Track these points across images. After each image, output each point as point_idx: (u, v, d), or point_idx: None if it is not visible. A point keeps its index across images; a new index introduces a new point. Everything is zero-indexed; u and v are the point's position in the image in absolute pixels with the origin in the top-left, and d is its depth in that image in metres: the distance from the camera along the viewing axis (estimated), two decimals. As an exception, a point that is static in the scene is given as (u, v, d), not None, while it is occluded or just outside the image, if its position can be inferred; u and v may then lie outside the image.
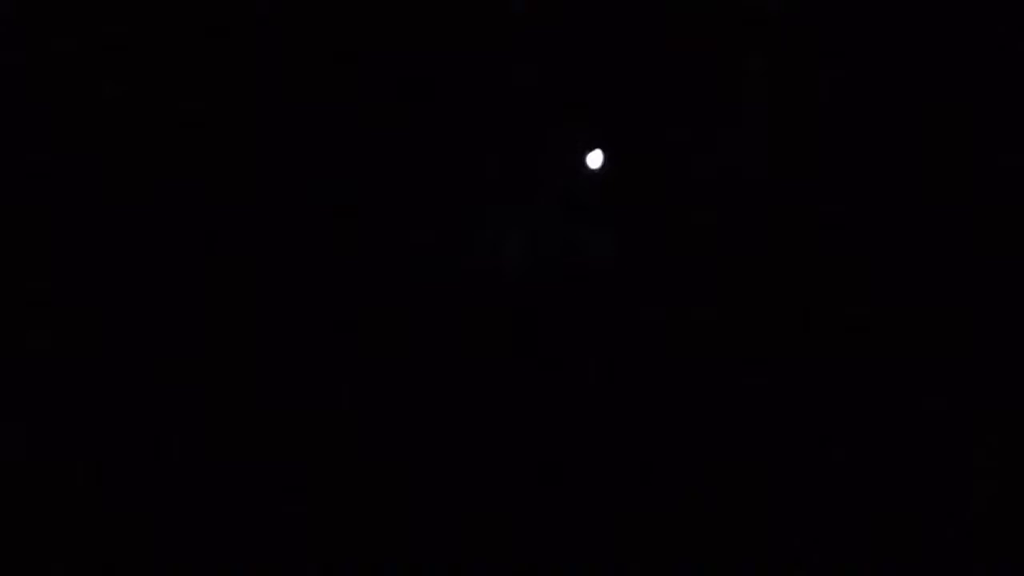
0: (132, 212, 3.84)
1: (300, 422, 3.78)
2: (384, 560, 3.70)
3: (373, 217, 3.92)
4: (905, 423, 3.75)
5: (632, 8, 3.93)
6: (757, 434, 3.79)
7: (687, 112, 3.94)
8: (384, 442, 3.80)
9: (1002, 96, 3.86)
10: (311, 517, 3.72)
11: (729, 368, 3.83)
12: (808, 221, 3.89)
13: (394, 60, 3.93)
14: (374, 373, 3.84)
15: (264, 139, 3.90)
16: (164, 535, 3.68)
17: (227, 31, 3.88)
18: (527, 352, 3.89)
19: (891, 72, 3.89)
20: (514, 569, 3.71)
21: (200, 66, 3.87)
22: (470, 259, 3.92)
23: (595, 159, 3.80)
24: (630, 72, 3.94)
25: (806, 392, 3.80)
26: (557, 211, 3.95)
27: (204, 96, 3.88)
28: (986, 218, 3.83)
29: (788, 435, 3.78)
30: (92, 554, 3.65)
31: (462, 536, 3.73)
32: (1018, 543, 3.64)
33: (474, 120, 3.95)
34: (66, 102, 3.84)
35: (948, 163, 3.86)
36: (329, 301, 3.88)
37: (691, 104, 3.94)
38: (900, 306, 3.83)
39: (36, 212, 3.81)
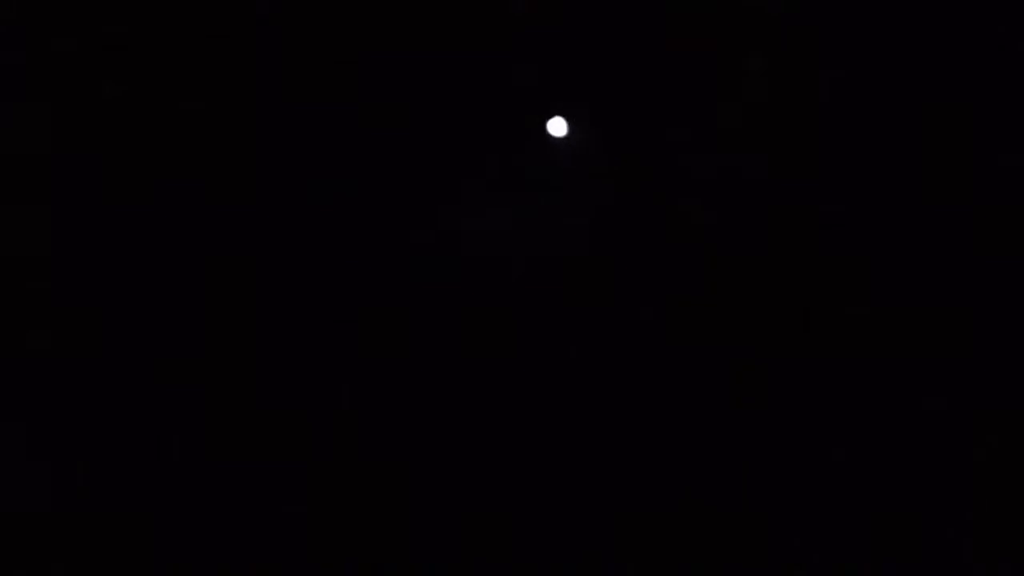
0: (132, 212, 3.84)
1: (292, 417, 3.79)
2: (384, 560, 3.71)
3: (369, 216, 3.92)
4: (905, 423, 3.75)
5: (632, 8, 3.93)
6: (757, 434, 3.79)
7: (687, 112, 3.94)
8: (375, 437, 3.80)
9: (1002, 96, 3.86)
10: (311, 517, 3.72)
11: (728, 368, 3.84)
12: (808, 221, 3.89)
13: (394, 60, 3.93)
14: (364, 367, 3.84)
15: (264, 139, 3.90)
16: (164, 535, 3.69)
17: (227, 31, 3.88)
18: (519, 349, 3.89)
19: (891, 72, 3.89)
20: (513, 569, 3.71)
21: (200, 66, 3.87)
22: (465, 253, 3.92)
23: (558, 127, 3.79)
24: (630, 72, 3.94)
25: (806, 392, 3.80)
26: (555, 211, 3.95)
27: (204, 96, 3.88)
28: (986, 218, 3.84)
29: (788, 435, 3.79)
30: (92, 554, 3.65)
31: (460, 534, 3.74)
32: (1018, 543, 3.65)
33: (472, 119, 3.95)
34: (66, 102, 3.84)
35: (948, 163, 3.86)
36: (325, 297, 3.88)
37: (691, 104, 3.94)
38: (900, 306, 3.83)
39: (36, 212, 3.81)
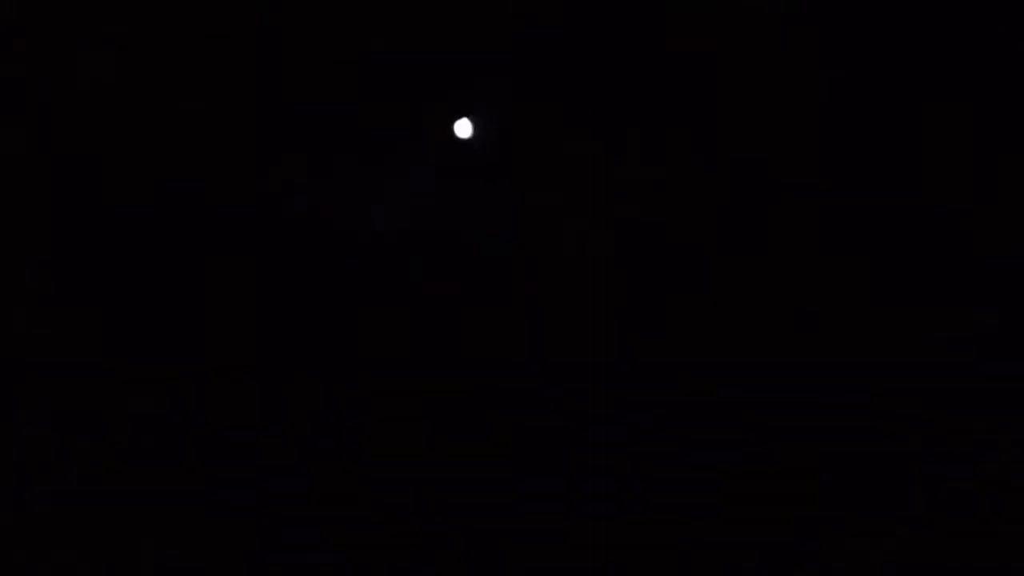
0: (132, 212, 3.85)
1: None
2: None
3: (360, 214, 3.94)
4: (905, 423, 3.76)
5: (632, 8, 3.93)
6: (753, 435, 3.79)
7: (687, 112, 3.94)
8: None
9: (1002, 96, 3.86)
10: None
11: (725, 369, 3.84)
12: (808, 221, 3.89)
13: (396, 61, 3.93)
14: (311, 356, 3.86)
15: (264, 139, 3.91)
16: (164, 535, 3.69)
17: (227, 31, 3.88)
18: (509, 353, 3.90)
19: (891, 72, 3.89)
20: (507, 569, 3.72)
21: (200, 66, 3.88)
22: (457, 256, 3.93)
23: (464, 129, 3.80)
24: (629, 72, 3.94)
25: (803, 393, 3.81)
26: (559, 214, 3.96)
27: (204, 96, 3.88)
28: (986, 218, 3.84)
29: (785, 435, 3.79)
30: (92, 554, 3.66)
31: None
32: (1018, 543, 3.65)
33: (471, 118, 3.95)
34: (66, 102, 3.84)
35: (948, 163, 3.86)
36: (333, 301, 3.90)
37: (691, 104, 3.94)
38: (900, 306, 3.84)
39: (36, 212, 3.82)
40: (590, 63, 3.93)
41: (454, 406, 3.83)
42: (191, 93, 3.88)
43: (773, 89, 3.92)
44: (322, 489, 3.75)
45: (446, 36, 3.90)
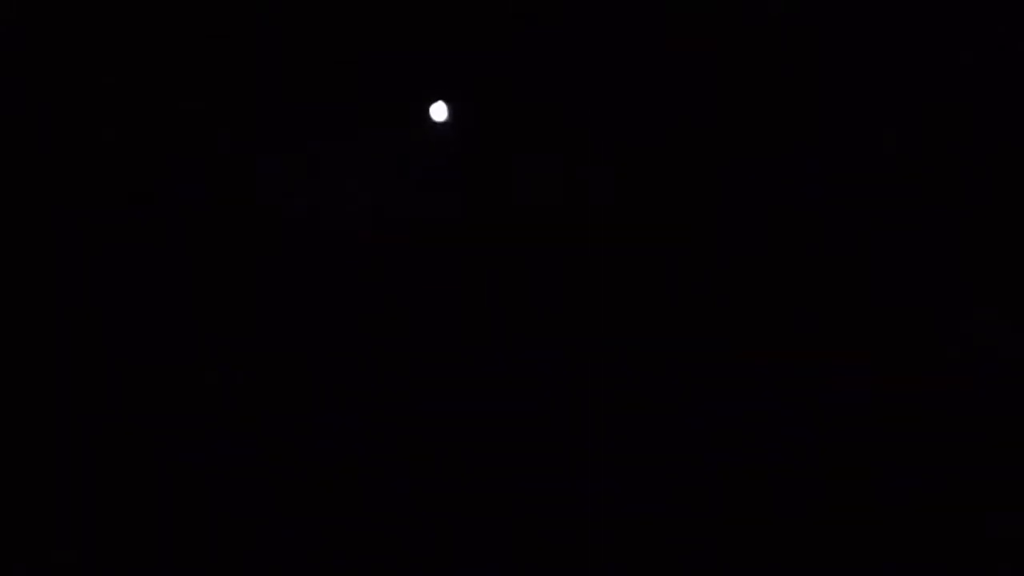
0: (132, 212, 3.85)
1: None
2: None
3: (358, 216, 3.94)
4: (905, 423, 3.76)
5: (632, 7, 3.93)
6: (753, 436, 3.79)
7: (688, 111, 3.94)
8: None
9: (1002, 96, 3.86)
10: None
11: (725, 369, 3.84)
12: (808, 221, 3.89)
13: (398, 61, 3.93)
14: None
15: (264, 139, 3.91)
16: (164, 535, 3.69)
17: (227, 31, 3.89)
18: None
19: (891, 72, 3.89)
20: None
21: (200, 66, 3.88)
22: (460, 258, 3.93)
23: (439, 112, 3.80)
24: (630, 72, 3.94)
25: (803, 393, 3.80)
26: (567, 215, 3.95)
27: (204, 96, 3.88)
28: (986, 218, 3.84)
29: (785, 435, 3.79)
30: (93, 553, 3.66)
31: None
32: (1018, 543, 3.65)
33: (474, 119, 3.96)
34: (66, 102, 3.84)
35: (948, 163, 3.86)
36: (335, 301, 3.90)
37: (691, 104, 3.94)
38: (900, 306, 3.83)
39: (36, 212, 3.82)
40: (589, 62, 3.93)
41: (453, 404, 3.83)
42: (191, 93, 3.88)
43: (773, 89, 3.92)
44: (322, 489, 3.75)
45: (445, 35, 3.90)
